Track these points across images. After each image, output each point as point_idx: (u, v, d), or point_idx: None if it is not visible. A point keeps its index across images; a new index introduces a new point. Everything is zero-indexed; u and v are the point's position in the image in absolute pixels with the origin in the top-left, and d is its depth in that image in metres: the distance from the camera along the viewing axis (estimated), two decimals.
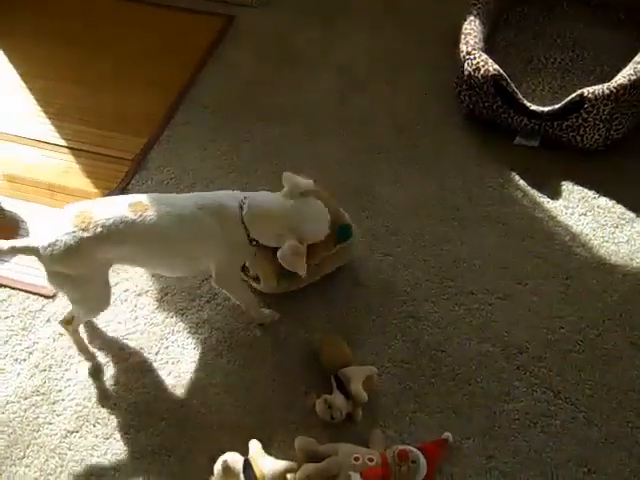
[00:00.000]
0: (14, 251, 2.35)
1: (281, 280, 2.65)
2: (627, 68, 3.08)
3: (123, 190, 3.10)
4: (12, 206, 3.06)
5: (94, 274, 2.37)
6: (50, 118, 3.44)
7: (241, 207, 2.45)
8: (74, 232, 2.26)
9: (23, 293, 2.75)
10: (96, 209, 2.33)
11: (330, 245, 2.66)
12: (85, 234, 2.26)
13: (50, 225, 2.32)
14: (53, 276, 2.35)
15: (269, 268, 2.62)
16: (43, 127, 3.41)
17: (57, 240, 2.26)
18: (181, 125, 3.41)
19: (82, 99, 3.53)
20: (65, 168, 3.23)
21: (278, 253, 2.41)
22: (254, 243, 2.48)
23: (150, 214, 2.35)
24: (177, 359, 2.58)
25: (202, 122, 3.42)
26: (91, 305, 2.46)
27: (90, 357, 2.57)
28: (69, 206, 2.37)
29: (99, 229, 2.28)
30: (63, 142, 3.33)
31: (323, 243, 2.59)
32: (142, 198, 2.41)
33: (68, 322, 2.53)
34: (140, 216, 2.33)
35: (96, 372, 2.55)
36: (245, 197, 2.48)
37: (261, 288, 2.72)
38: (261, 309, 2.69)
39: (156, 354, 2.60)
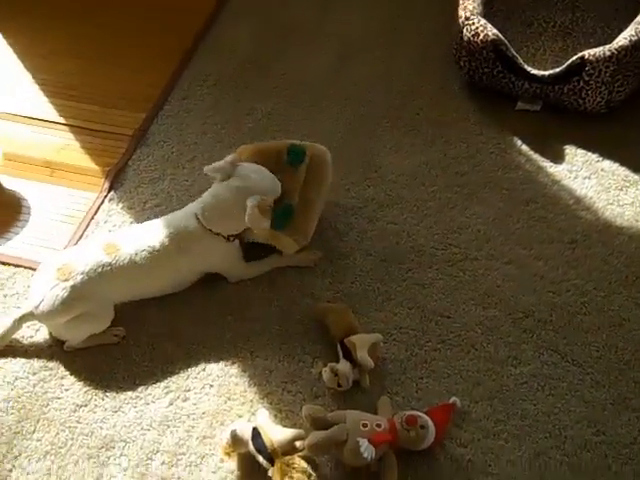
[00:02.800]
0: (17, 323, 2.50)
1: (294, 236, 2.64)
2: (628, 29, 3.05)
3: (124, 166, 3.09)
4: (11, 185, 3.05)
5: (90, 310, 2.47)
6: (47, 95, 3.41)
7: (197, 219, 2.56)
8: (58, 284, 2.43)
9: (28, 270, 2.74)
10: (73, 259, 2.49)
11: (294, 175, 2.68)
12: (68, 283, 2.43)
13: (34, 286, 2.51)
14: (54, 328, 2.53)
15: (274, 235, 2.62)
16: (39, 104, 3.38)
17: (45, 297, 2.43)
18: (180, 100, 3.38)
19: (78, 76, 3.50)
20: (63, 145, 3.20)
21: (246, 218, 2.46)
22: (232, 239, 2.60)
23: (124, 254, 2.50)
24: (179, 334, 2.58)
25: (201, 96, 3.39)
26: (94, 330, 2.53)
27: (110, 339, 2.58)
28: (46, 262, 2.55)
29: (79, 276, 2.44)
30: (60, 119, 3.30)
31: (288, 177, 2.64)
32: (114, 239, 2.56)
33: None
34: (115, 257, 2.48)
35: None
36: (196, 211, 2.57)
37: (290, 253, 2.70)
38: (299, 254, 2.72)
39: (157, 327, 2.60)
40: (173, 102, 3.37)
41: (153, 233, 2.56)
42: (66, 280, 2.43)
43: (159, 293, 2.64)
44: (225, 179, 2.56)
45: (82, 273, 2.44)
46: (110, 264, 2.48)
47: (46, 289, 2.43)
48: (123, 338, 2.55)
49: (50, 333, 2.56)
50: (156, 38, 3.65)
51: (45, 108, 3.36)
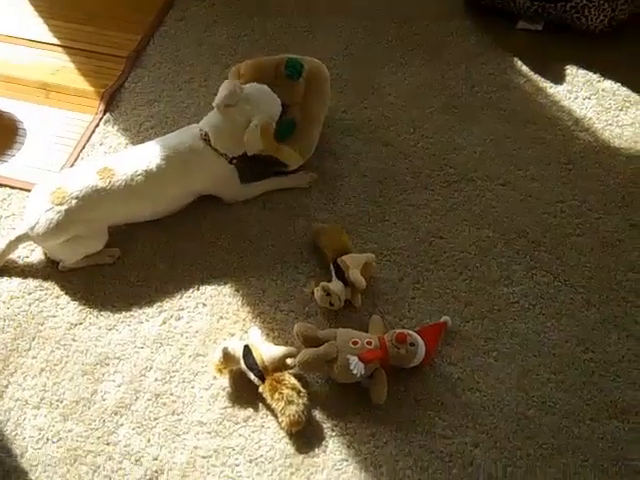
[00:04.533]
0: (13, 244, 2.52)
1: (297, 147, 2.67)
2: None
3: (120, 88, 3.06)
4: (7, 106, 3.03)
5: (84, 232, 2.49)
6: (42, 17, 3.36)
7: (204, 139, 2.56)
8: (52, 208, 2.44)
9: (23, 192, 2.74)
10: (67, 183, 2.48)
11: (294, 89, 2.70)
12: (63, 207, 2.44)
13: (29, 208, 2.51)
14: (49, 249, 2.55)
15: (279, 148, 2.64)
16: (34, 26, 3.33)
17: (39, 219, 2.45)
18: (177, 21, 3.34)
19: None
20: (58, 67, 3.17)
21: (245, 136, 2.50)
22: (234, 161, 2.62)
23: (118, 179, 2.49)
24: (173, 254, 2.59)
25: (198, 17, 3.35)
26: (89, 251, 2.55)
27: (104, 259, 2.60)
28: (40, 184, 2.55)
29: (74, 201, 2.45)
30: (56, 40, 3.26)
31: (287, 90, 2.66)
32: (107, 162, 2.55)
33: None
34: (109, 182, 2.48)
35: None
36: (200, 129, 2.58)
37: (294, 166, 2.72)
38: (294, 175, 2.75)
39: (151, 247, 2.62)
40: (169, 23, 3.33)
41: (149, 156, 2.55)
42: (60, 204, 2.44)
43: (154, 216, 2.64)
44: (232, 104, 2.55)
45: (76, 198, 2.45)
46: (104, 189, 2.47)
47: (40, 212, 2.44)
48: (118, 258, 2.57)
49: (45, 254, 2.58)
50: None
51: (40, 29, 3.32)
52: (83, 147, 2.88)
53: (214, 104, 2.57)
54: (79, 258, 2.53)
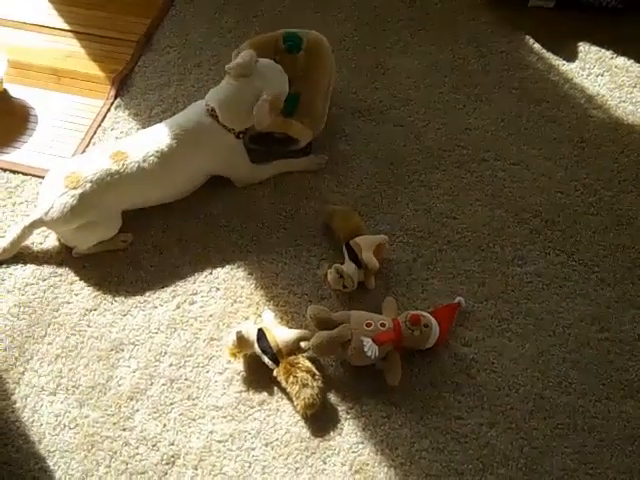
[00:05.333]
0: (27, 230, 2.52)
1: (306, 121, 2.65)
2: None
3: (130, 73, 3.06)
4: (18, 93, 3.03)
5: (98, 218, 2.49)
6: (51, 2, 3.35)
7: (211, 115, 2.54)
8: (66, 192, 2.44)
9: (36, 178, 2.75)
10: (81, 168, 2.49)
11: (294, 62, 2.67)
12: (77, 191, 2.44)
13: (43, 193, 2.52)
14: (63, 235, 2.56)
15: (289, 123, 2.63)
16: (44, 11, 3.33)
17: (54, 204, 2.45)
18: (186, 4, 3.32)
19: None
20: (69, 52, 3.16)
21: (254, 110, 2.47)
22: (241, 136, 2.61)
23: (131, 161, 2.50)
24: (186, 239, 2.59)
25: (207, 0, 3.33)
26: (102, 237, 2.56)
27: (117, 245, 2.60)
28: (54, 169, 2.55)
29: (88, 185, 2.45)
30: (65, 26, 3.25)
31: (288, 64, 2.62)
32: (119, 146, 2.56)
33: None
34: (122, 165, 2.48)
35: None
36: (207, 104, 2.57)
37: (304, 143, 2.71)
38: (305, 158, 2.75)
39: (164, 232, 2.61)
40: (178, 6, 3.31)
41: (160, 137, 2.55)
42: (75, 188, 2.44)
43: (167, 199, 2.64)
44: (244, 76, 2.53)
45: (90, 182, 2.45)
46: (118, 172, 2.48)
47: (55, 196, 2.45)
48: (131, 244, 2.58)
49: (59, 240, 2.58)
50: None
51: (50, 15, 3.31)
52: (94, 132, 2.88)
53: (227, 67, 2.54)
54: (93, 244, 2.53)
